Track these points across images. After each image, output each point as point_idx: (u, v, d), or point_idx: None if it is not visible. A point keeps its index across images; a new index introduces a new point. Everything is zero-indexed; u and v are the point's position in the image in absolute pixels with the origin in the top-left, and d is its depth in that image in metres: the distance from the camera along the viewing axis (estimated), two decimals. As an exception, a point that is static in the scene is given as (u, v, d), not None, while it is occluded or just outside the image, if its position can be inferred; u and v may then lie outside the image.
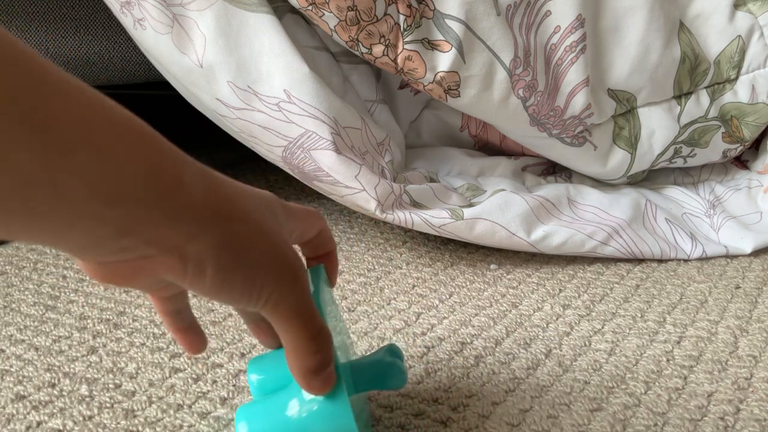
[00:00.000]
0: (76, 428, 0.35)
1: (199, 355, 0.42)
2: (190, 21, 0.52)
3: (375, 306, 0.50)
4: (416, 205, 0.56)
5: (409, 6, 0.54)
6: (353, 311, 0.49)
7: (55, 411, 0.37)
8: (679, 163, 0.67)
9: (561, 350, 0.43)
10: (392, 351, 0.34)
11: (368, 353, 0.37)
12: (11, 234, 0.19)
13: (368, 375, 0.32)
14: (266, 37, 0.52)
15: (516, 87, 0.58)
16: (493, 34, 0.56)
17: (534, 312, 0.49)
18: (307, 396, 0.29)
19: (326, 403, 0.29)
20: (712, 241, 0.60)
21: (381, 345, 0.44)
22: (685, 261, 0.58)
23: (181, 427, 0.36)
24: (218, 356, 0.43)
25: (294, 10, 0.56)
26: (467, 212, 0.55)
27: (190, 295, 0.51)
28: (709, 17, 0.62)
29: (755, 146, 0.71)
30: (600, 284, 0.53)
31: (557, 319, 0.48)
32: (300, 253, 0.29)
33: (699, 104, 0.64)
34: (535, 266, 0.57)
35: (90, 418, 0.36)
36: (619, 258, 0.58)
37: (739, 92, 0.63)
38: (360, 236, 0.65)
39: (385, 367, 0.32)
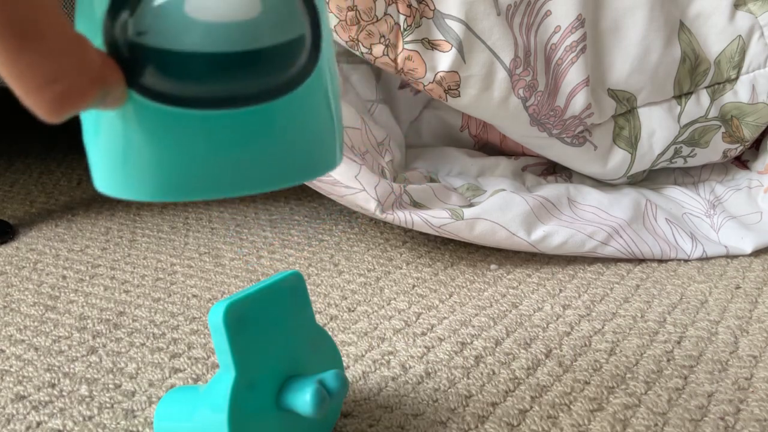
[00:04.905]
0: (76, 428, 0.35)
1: (199, 356, 0.42)
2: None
3: (375, 306, 0.50)
4: (416, 205, 0.56)
5: (409, 6, 0.54)
6: (353, 311, 0.49)
7: (55, 411, 0.37)
8: (679, 163, 0.67)
9: (561, 350, 0.43)
10: (332, 378, 0.30)
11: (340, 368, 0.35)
12: None
13: (292, 396, 0.30)
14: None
15: (516, 87, 0.58)
16: (493, 34, 0.56)
17: (534, 312, 0.49)
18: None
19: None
20: (713, 241, 0.60)
21: (381, 345, 0.44)
22: (686, 261, 0.58)
23: (180, 427, 0.36)
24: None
25: (294, 10, 0.56)
26: (467, 212, 0.55)
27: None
28: (709, 17, 0.62)
29: (755, 146, 0.71)
30: (600, 284, 0.53)
31: (557, 319, 0.48)
32: None
33: (699, 104, 0.64)
34: (535, 266, 0.57)
35: (90, 418, 0.36)
36: (620, 258, 0.58)
37: (740, 92, 0.63)
38: (360, 236, 0.65)
39: (305, 393, 0.29)
